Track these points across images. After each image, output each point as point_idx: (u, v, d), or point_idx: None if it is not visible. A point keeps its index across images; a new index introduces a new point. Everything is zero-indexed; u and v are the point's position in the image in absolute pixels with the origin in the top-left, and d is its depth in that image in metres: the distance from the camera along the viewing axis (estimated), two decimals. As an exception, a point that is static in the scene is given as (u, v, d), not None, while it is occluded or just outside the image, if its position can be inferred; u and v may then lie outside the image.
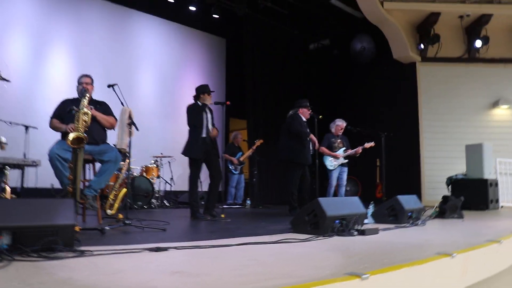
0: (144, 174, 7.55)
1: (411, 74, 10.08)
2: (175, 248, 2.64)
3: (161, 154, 8.13)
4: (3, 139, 4.78)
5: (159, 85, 10.04)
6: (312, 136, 6.32)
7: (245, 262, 2.30)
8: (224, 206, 7.90)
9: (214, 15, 9.91)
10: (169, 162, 8.33)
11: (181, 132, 9.54)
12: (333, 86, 11.57)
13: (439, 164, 9.47)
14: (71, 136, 3.65)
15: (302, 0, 10.11)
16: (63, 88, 7.87)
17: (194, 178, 5.41)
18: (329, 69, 11.79)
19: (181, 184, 8.86)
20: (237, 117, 11.48)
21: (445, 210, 5.58)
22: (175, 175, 8.48)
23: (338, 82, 11.51)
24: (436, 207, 5.76)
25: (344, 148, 7.42)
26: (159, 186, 8.18)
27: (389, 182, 8.22)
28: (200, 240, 3.10)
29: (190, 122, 5.48)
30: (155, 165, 7.86)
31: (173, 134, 9.55)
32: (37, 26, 8.18)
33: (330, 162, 7.33)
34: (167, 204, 8.01)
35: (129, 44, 9.61)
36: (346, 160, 7.42)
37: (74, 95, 4.62)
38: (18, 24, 7.95)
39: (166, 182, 8.34)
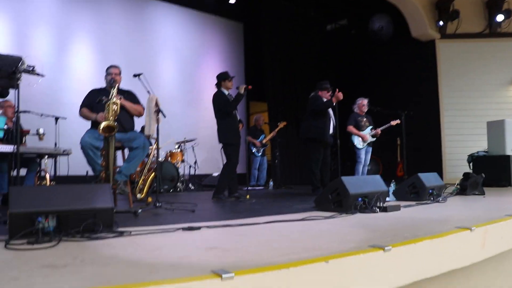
0: (169, 159, 7.76)
1: (431, 51, 10.01)
2: (207, 227, 2.81)
3: (185, 139, 8.31)
4: (42, 130, 5.02)
5: (179, 72, 10.21)
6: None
7: (273, 238, 2.46)
8: (248, 188, 8.09)
9: (230, 1, 9.96)
10: (193, 147, 8.53)
11: (203, 117, 9.78)
12: (351, 66, 11.55)
13: (460, 142, 9.46)
14: (102, 125, 3.83)
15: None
16: (87, 78, 8.13)
17: (234, 164, 5.57)
18: (347, 49, 11.74)
19: (205, 167, 9.09)
20: (257, 100, 11.59)
21: (466, 186, 5.64)
22: (198, 159, 8.68)
23: (356, 62, 11.48)
24: (457, 184, 5.83)
25: (371, 127, 7.48)
26: (184, 170, 8.40)
27: (410, 160, 8.26)
28: (229, 219, 3.26)
29: (221, 109, 5.58)
30: (179, 150, 8.06)
31: (195, 120, 9.75)
32: (60, 18, 8.40)
33: (359, 141, 7.39)
34: (192, 188, 8.22)
35: (149, 33, 9.77)
36: (374, 139, 7.49)
37: (99, 85, 4.81)
38: (42, 18, 8.18)
39: (191, 166, 8.55)
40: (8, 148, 4.34)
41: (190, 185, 8.23)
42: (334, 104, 6.33)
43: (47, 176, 4.65)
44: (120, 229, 2.68)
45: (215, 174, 8.68)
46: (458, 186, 5.74)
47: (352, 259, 1.89)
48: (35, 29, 8.08)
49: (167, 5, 10.18)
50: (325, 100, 6.50)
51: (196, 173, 8.73)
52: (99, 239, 2.43)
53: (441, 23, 9.64)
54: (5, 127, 4.52)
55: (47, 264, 1.80)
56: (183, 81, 10.18)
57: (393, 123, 7.53)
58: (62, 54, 8.36)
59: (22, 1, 7.95)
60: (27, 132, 5.23)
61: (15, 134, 3.33)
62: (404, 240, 2.25)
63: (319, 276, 1.76)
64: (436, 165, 9.29)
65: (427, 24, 9.66)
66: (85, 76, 8.30)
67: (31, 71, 3.57)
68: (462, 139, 9.54)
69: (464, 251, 2.54)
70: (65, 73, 8.32)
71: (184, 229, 2.71)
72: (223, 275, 1.52)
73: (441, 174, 9.28)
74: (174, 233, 2.64)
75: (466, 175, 5.83)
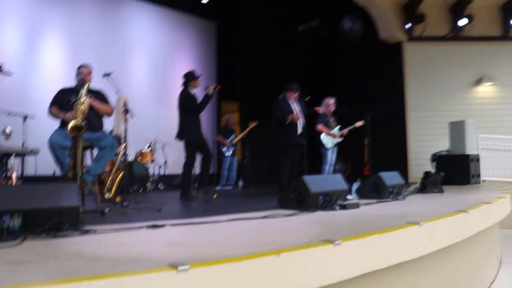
0: (139, 158, 7.79)
1: (398, 53, 10.31)
2: (171, 225, 2.91)
3: (155, 138, 8.35)
4: (8, 129, 5.01)
5: (151, 70, 10.22)
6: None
7: (233, 234, 2.58)
8: (217, 188, 8.19)
9: (203, 1, 10.04)
10: (162, 147, 8.57)
11: (174, 116, 9.75)
12: (322, 67, 11.78)
13: (425, 142, 9.78)
14: (70, 124, 3.88)
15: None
16: (56, 76, 8.09)
17: (192, 161, 5.65)
18: (318, 49, 11.97)
19: (174, 167, 9.12)
20: (228, 100, 11.68)
21: (426, 185, 5.88)
22: (168, 158, 8.73)
23: (327, 63, 11.72)
24: (418, 182, 6.08)
25: (339, 126, 7.66)
26: (154, 170, 8.43)
27: (377, 160, 8.49)
28: (193, 217, 3.37)
29: (186, 107, 5.65)
30: (149, 150, 8.09)
31: (166, 119, 9.77)
32: (30, 15, 8.30)
33: (328, 140, 7.55)
34: (162, 188, 8.27)
35: (121, 31, 9.75)
36: (341, 139, 7.67)
37: (68, 82, 4.84)
38: (12, 13, 8.06)
39: (160, 166, 8.60)
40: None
41: (160, 185, 8.27)
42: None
43: (14, 175, 4.65)
44: (86, 227, 2.75)
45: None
46: (419, 185, 5.98)
47: (302, 253, 2.03)
48: (3, 23, 7.97)
49: (140, 3, 10.17)
50: (290, 102, 6.63)
51: (166, 173, 8.78)
52: (64, 237, 2.50)
53: (408, 26, 9.92)
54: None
55: (10, 260, 1.87)
56: (154, 80, 10.20)
57: (357, 124, 7.74)
58: (31, 51, 8.26)
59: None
60: (-8, 130, 5.20)
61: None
62: (356, 235, 2.40)
63: (270, 269, 1.89)
64: (402, 164, 9.59)
65: (395, 27, 9.95)
66: (55, 74, 8.24)
67: (-3, 70, 3.59)
68: (427, 139, 9.86)
69: (413, 244, 2.71)
70: (34, 70, 8.23)
71: (148, 226, 2.81)
72: (179, 267, 1.63)
73: (406, 173, 9.61)
74: (138, 230, 2.73)
75: (426, 173, 6.08)
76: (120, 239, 2.44)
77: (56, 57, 8.62)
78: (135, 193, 7.12)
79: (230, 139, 8.98)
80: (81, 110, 4.07)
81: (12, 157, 4.97)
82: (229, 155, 8.97)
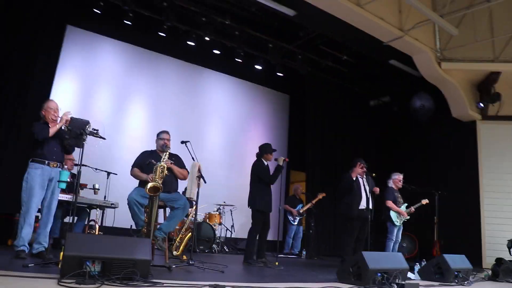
0: (207, 220, 8.11)
1: (471, 132, 10.06)
2: (231, 287, 3.09)
3: (224, 202, 8.67)
4: (97, 186, 5.58)
5: (225, 137, 10.77)
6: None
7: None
8: (280, 255, 8.24)
9: (278, 73, 10.61)
10: (231, 210, 8.85)
11: (244, 182, 10.13)
12: (392, 143, 11.73)
13: (501, 225, 9.29)
14: (149, 185, 4.28)
15: (362, 60, 10.59)
16: (139, 136, 8.81)
17: (258, 229, 5.89)
18: (388, 125, 11.99)
19: (242, 231, 9.34)
20: (297, 170, 11.91)
21: (498, 272, 5.61)
22: (236, 223, 8.98)
23: (397, 138, 11.67)
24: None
25: (406, 204, 7.55)
26: (221, 232, 8.69)
27: (448, 240, 8.19)
28: (253, 282, 3.52)
29: (259, 178, 5.99)
30: (218, 213, 8.41)
31: (236, 184, 10.12)
32: (121, 81, 9.24)
33: (396, 218, 7.44)
34: (227, 250, 8.47)
35: (200, 99, 10.49)
36: (408, 217, 7.53)
37: (149, 143, 5.32)
38: (104, 81, 9.04)
39: (227, 229, 8.85)
40: (67, 197, 4.91)
41: (225, 247, 8.48)
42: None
43: (97, 226, 5.11)
44: (154, 280, 3.02)
45: (251, 238, 8.91)
46: (489, 272, 5.71)
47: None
48: (99, 90, 8.94)
49: (219, 74, 10.92)
50: (357, 175, 6.74)
51: (232, 236, 9.00)
52: (136, 287, 2.76)
53: (481, 105, 9.76)
54: (69, 180, 5.08)
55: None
56: (227, 146, 10.69)
57: (423, 202, 7.58)
58: (119, 113, 9.09)
59: (90, 63, 8.86)
60: (85, 185, 5.79)
61: (76, 186, 3.82)
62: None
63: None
64: (476, 248, 9.10)
65: (468, 105, 9.78)
66: (138, 134, 8.97)
67: (95, 134, 4.12)
68: (502, 222, 9.36)
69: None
70: (120, 130, 9.00)
71: (210, 286, 3.00)
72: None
73: (480, 257, 9.11)
74: (201, 288, 2.94)
75: (498, 260, 5.81)
76: (185, 295, 2.65)
77: (140, 120, 9.42)
78: (201, 253, 7.36)
79: (297, 208, 9.14)
80: (160, 173, 4.47)
81: (96, 209, 5.47)
82: (295, 223, 9.09)
